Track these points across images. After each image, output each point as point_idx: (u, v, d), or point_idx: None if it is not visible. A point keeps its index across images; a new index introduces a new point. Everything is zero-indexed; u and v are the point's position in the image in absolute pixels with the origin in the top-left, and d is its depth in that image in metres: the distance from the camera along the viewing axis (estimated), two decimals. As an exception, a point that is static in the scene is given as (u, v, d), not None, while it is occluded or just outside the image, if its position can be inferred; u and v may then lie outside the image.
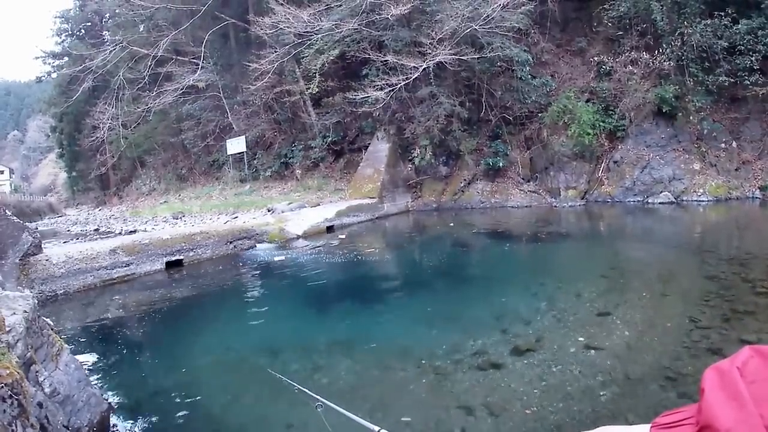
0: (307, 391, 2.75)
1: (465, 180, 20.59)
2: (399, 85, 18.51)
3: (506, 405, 4.05)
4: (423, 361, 5.00)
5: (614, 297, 6.83)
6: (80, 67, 28.88)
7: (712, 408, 0.66)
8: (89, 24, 41.83)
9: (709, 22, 16.81)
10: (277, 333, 6.72)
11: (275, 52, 22.40)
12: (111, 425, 4.15)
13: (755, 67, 16.35)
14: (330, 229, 15.84)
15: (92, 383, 4.44)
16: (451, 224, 16.42)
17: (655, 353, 4.81)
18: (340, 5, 19.93)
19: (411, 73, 18.34)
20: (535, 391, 4.24)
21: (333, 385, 4.73)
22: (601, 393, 4.11)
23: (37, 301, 3.98)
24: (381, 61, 19.16)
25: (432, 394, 4.37)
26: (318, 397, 2.54)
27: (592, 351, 4.94)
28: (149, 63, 27.10)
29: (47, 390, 3.52)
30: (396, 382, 4.65)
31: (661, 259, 9.57)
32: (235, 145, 27.44)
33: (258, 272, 10.85)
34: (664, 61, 17.46)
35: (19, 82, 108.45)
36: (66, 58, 38.79)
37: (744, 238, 11.57)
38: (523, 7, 18.08)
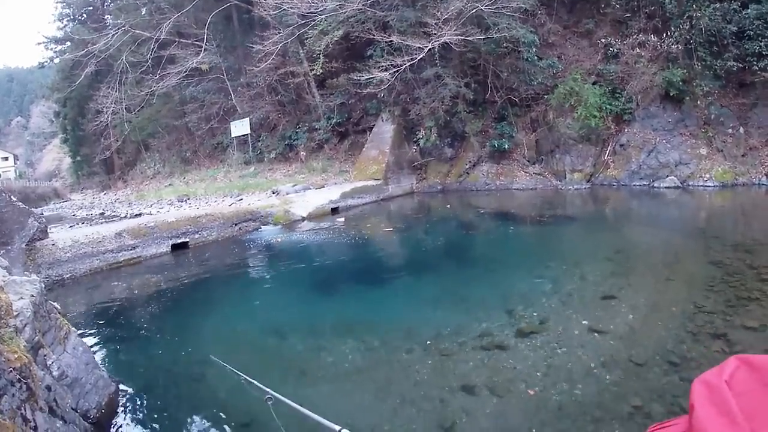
0: (257, 384, 2.78)
1: (470, 162, 20.52)
2: (404, 66, 18.32)
3: (510, 386, 4.08)
4: (428, 342, 5.03)
5: (619, 280, 6.83)
6: (83, 52, 28.69)
7: (703, 424, 0.66)
8: (91, 8, 41.45)
9: (718, 5, 16.51)
10: (283, 314, 6.77)
11: (279, 33, 22.19)
12: (119, 407, 4.21)
13: (764, 53, 16.06)
14: (335, 210, 15.87)
15: (100, 366, 4.49)
16: (456, 206, 16.39)
17: (659, 337, 4.82)
18: (344, -15, 19.69)
19: (416, 54, 18.13)
20: (539, 372, 4.27)
21: (339, 365, 4.77)
22: (605, 375, 4.13)
23: (44, 286, 4.01)
24: (386, 42, 18.96)
25: (437, 374, 4.40)
26: (269, 390, 2.58)
27: (596, 334, 4.96)
28: (152, 46, 26.91)
29: (55, 373, 3.56)
30: (402, 363, 4.68)
31: (667, 244, 9.55)
32: (240, 128, 27.35)
33: (263, 254, 10.89)
34: (672, 44, 17.20)
35: (21, 68, 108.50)
36: (68, 43, 38.55)
37: (750, 225, 11.49)
38: (530, -13, 17.83)
